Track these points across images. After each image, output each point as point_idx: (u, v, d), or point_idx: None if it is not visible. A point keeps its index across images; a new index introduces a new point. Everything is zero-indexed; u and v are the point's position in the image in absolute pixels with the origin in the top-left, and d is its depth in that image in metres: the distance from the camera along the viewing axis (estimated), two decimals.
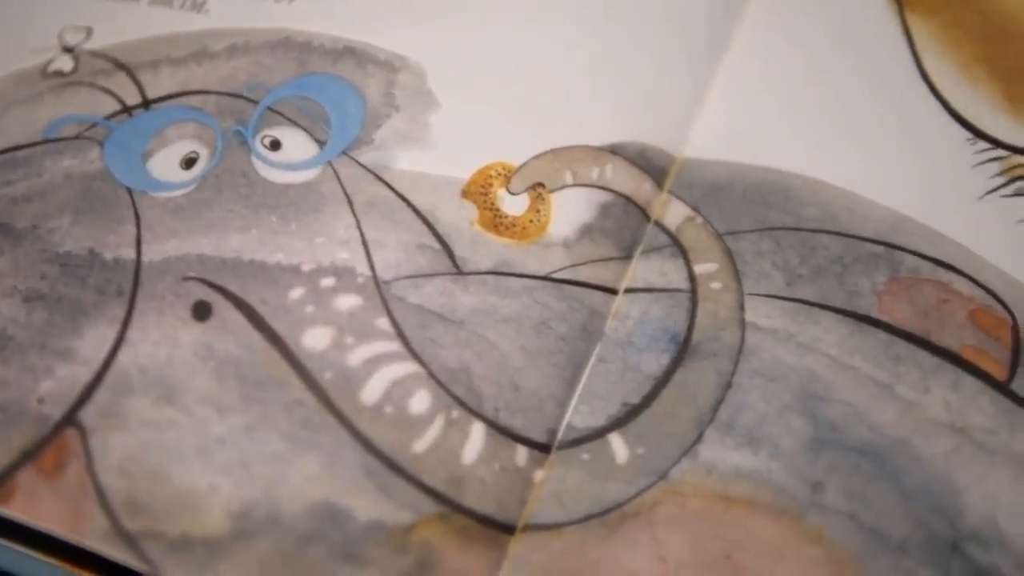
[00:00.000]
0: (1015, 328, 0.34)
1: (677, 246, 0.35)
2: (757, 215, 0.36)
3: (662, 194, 0.36)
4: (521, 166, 0.36)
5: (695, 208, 0.36)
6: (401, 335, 0.33)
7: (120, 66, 0.38)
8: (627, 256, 0.35)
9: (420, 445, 0.32)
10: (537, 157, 0.36)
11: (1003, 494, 0.32)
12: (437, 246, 0.34)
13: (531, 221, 0.35)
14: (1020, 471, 0.33)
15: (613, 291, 0.35)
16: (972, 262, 0.35)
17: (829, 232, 0.36)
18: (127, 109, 0.37)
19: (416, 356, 0.33)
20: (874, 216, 0.36)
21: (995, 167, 0.36)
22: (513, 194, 0.35)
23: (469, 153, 0.36)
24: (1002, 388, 0.34)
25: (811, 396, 0.33)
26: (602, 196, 0.36)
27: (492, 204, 0.35)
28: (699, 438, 0.33)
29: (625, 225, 0.35)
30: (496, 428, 0.32)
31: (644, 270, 0.35)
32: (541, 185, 0.35)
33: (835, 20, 0.39)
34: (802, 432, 0.33)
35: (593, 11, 0.38)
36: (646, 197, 0.36)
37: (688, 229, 0.36)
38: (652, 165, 0.36)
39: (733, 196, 0.36)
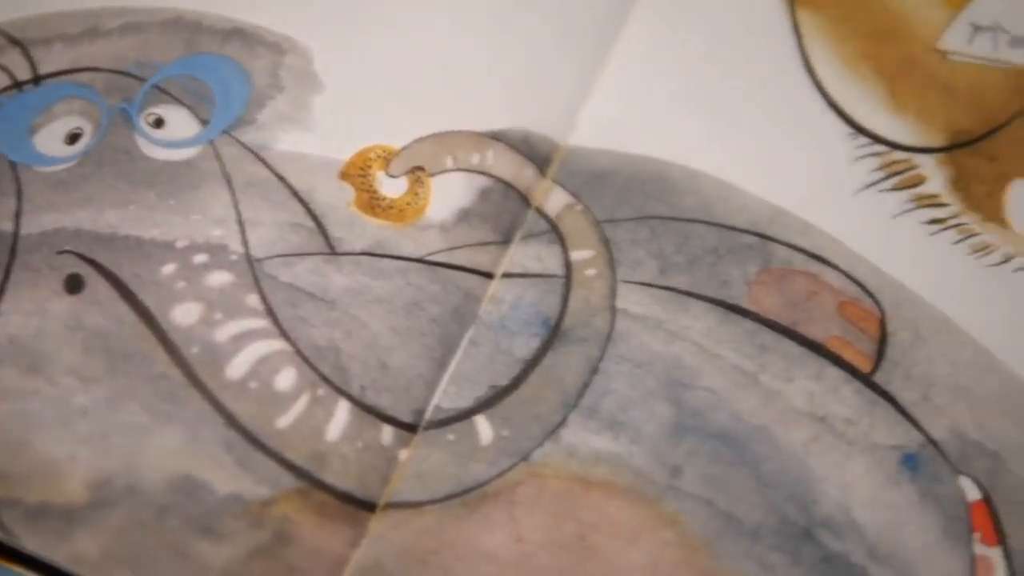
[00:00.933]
0: (882, 321, 0.35)
1: (556, 232, 0.36)
2: (636, 204, 0.36)
3: (545, 181, 0.36)
4: (401, 149, 0.36)
5: (576, 195, 0.36)
6: (271, 312, 0.33)
7: (15, 42, 0.38)
8: (505, 241, 0.36)
9: (283, 421, 0.32)
10: (418, 141, 0.36)
11: (858, 483, 0.33)
12: (312, 226, 0.34)
13: (408, 204, 0.35)
14: (876, 461, 0.33)
15: (489, 275, 0.35)
16: (845, 255, 0.36)
17: (705, 222, 0.36)
18: (18, 84, 0.37)
19: (284, 333, 0.33)
20: (750, 207, 0.36)
21: (874, 162, 0.37)
22: (392, 177, 0.36)
23: (350, 135, 0.36)
24: (865, 379, 0.34)
25: (676, 383, 0.34)
26: (482, 181, 0.36)
27: (370, 186, 0.35)
28: (563, 422, 0.33)
29: (504, 210, 0.36)
30: (362, 406, 0.33)
31: (521, 255, 0.35)
32: (421, 168, 0.36)
33: (726, 13, 0.39)
34: (664, 418, 0.33)
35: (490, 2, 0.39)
36: (527, 183, 0.36)
37: (567, 216, 0.36)
38: (535, 152, 0.37)
39: (614, 185, 0.37)
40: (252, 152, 0.35)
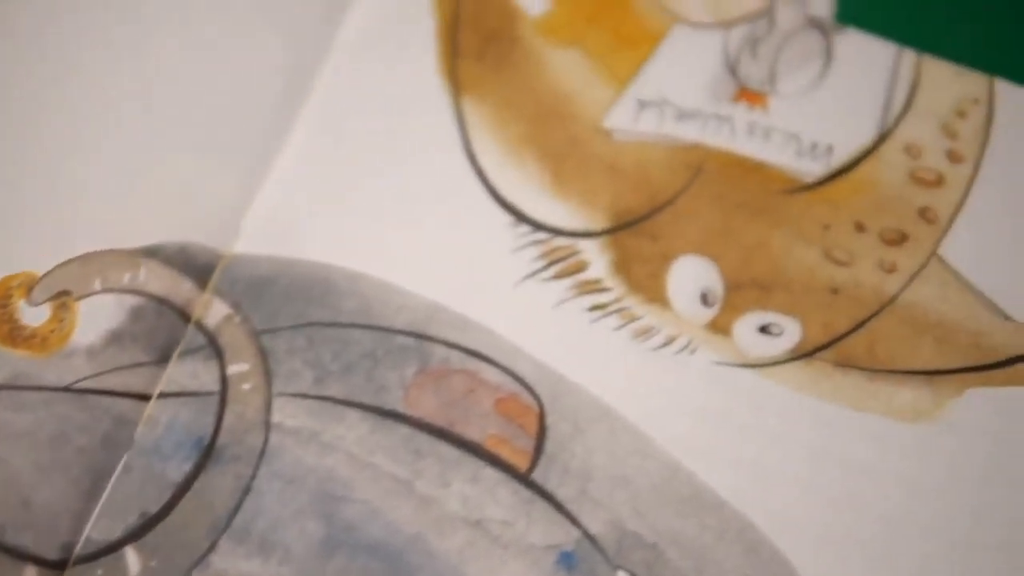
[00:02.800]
0: (541, 415, 0.34)
1: (213, 347, 0.35)
2: (298, 310, 0.36)
3: (205, 294, 0.36)
4: (44, 275, 0.35)
5: (237, 306, 0.36)
6: None
7: None
8: (162, 360, 0.35)
9: None
10: (63, 265, 0.35)
11: None
12: None
13: (52, 331, 0.34)
14: (532, 562, 0.33)
15: (146, 397, 0.34)
16: (503, 349, 0.35)
17: (363, 326, 0.35)
18: None
19: None
20: (409, 307, 0.36)
21: (536, 250, 0.37)
22: (34, 305, 0.35)
23: None
24: (522, 478, 0.34)
25: (329, 496, 0.33)
26: (134, 300, 0.35)
27: (11, 316, 0.34)
28: (212, 547, 0.33)
29: (159, 328, 0.35)
30: (1, 549, 0.32)
31: (179, 373, 0.35)
32: (67, 293, 0.35)
33: (392, 108, 0.39)
34: (315, 534, 0.33)
35: (136, 111, 0.38)
36: (185, 297, 0.36)
37: (226, 329, 0.35)
38: (194, 263, 0.36)
39: (276, 292, 0.36)
40: None
